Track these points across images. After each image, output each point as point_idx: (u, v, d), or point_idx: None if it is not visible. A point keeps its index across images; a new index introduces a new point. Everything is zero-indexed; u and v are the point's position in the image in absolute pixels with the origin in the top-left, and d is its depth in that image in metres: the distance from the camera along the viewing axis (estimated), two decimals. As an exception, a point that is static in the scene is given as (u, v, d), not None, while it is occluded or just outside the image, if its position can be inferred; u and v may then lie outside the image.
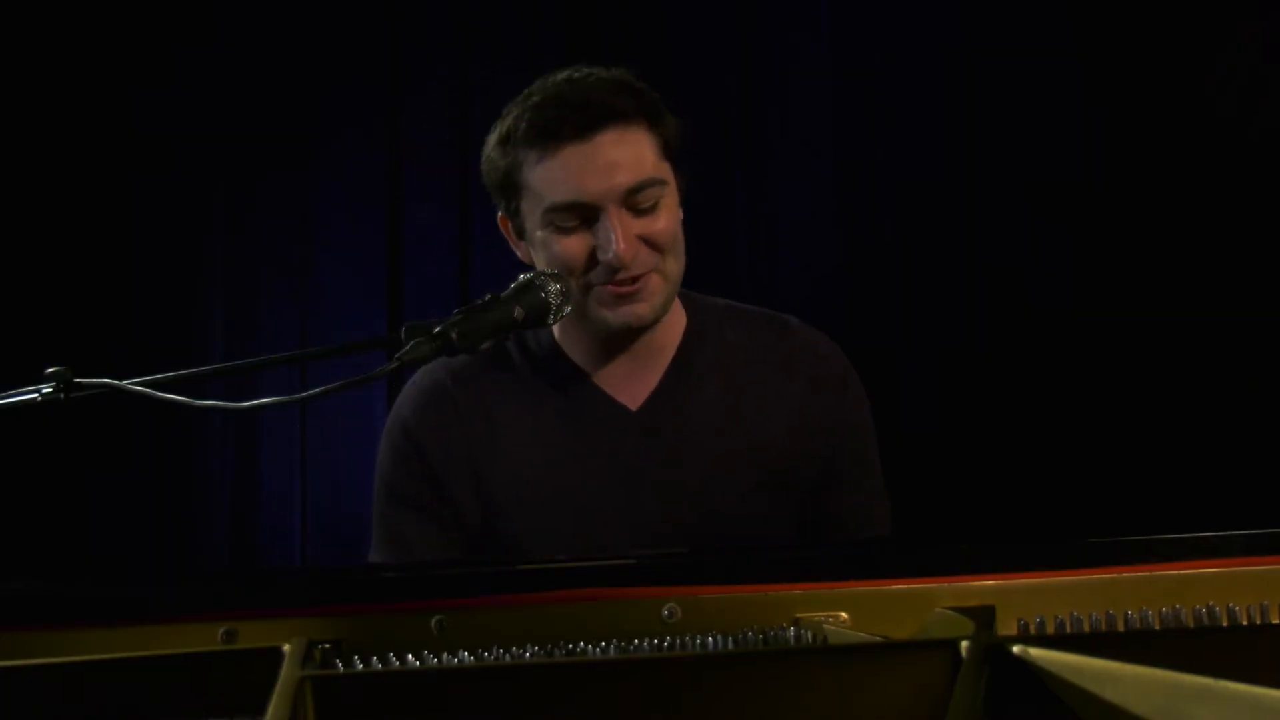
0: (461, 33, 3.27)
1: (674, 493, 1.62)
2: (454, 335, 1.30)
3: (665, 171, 1.59)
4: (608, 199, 1.52)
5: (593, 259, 1.54)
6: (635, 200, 1.54)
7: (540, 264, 1.59)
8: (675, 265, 1.59)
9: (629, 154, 1.54)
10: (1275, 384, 2.94)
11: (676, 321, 1.68)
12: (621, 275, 1.54)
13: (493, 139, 1.61)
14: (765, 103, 3.28)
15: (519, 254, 1.66)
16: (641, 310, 1.57)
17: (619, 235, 1.52)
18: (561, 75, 1.60)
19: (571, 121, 1.52)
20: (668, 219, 1.57)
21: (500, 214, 1.65)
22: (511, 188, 1.59)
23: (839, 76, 3.28)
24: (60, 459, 2.99)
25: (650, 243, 1.56)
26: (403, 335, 1.31)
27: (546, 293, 1.45)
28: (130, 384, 1.25)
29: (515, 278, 1.49)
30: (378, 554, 1.66)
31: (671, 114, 1.62)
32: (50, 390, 1.23)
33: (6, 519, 2.92)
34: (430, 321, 1.33)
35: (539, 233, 1.57)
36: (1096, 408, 3.08)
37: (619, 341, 1.62)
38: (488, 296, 1.40)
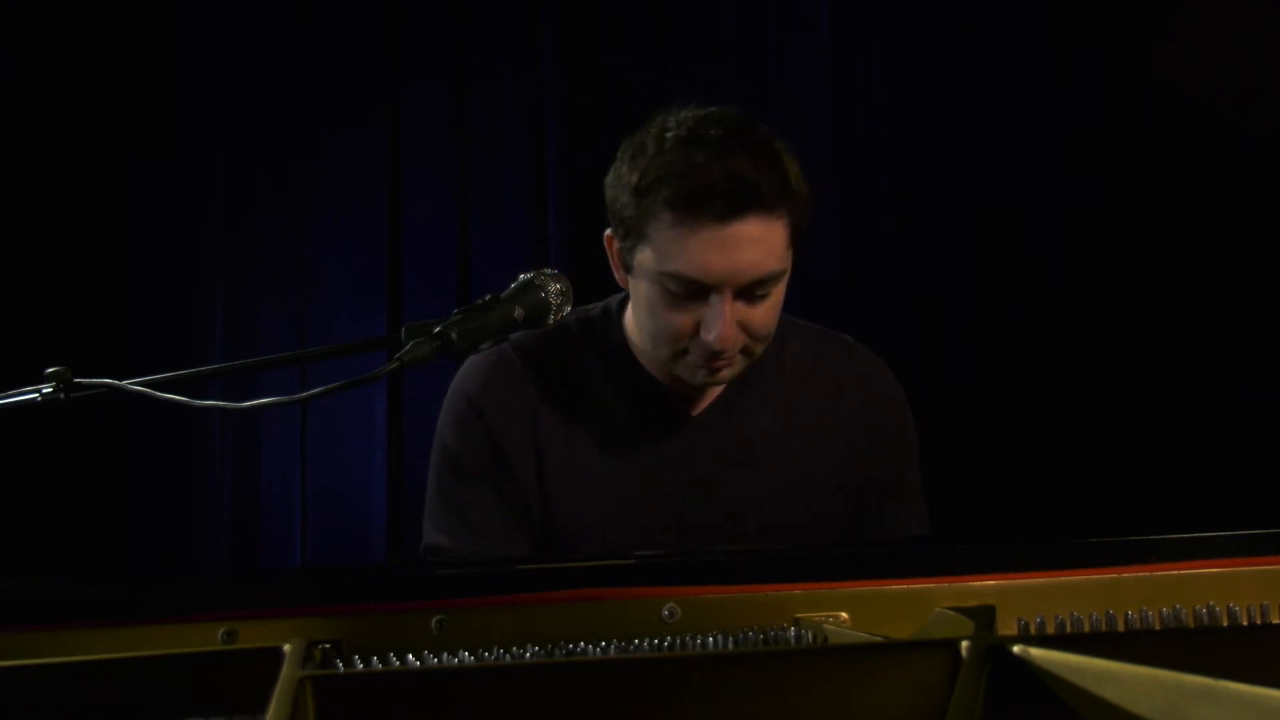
0: (461, 32, 3.27)
1: (724, 500, 1.63)
2: (454, 335, 1.30)
3: (788, 260, 1.56)
4: (726, 285, 1.49)
5: (693, 331, 1.52)
6: (754, 288, 1.52)
7: (638, 307, 1.58)
8: (764, 347, 1.58)
9: (762, 248, 1.49)
10: (1275, 384, 2.94)
11: None
12: (719, 361, 1.53)
13: (627, 178, 1.54)
14: (765, 97, 3.28)
15: (616, 275, 1.64)
16: (723, 376, 1.57)
17: (725, 322, 1.49)
18: (709, 129, 1.51)
19: (718, 206, 1.46)
20: (773, 307, 1.55)
21: (609, 233, 1.62)
22: (636, 233, 1.54)
23: (837, 70, 3.28)
24: (60, 459, 2.99)
25: (749, 329, 1.54)
26: (403, 335, 1.31)
27: (547, 293, 1.45)
28: (130, 384, 1.25)
29: (515, 278, 1.49)
30: (437, 530, 1.64)
31: (802, 192, 1.56)
32: (50, 390, 1.23)
33: (6, 519, 2.92)
34: (430, 321, 1.33)
35: (647, 285, 1.55)
36: (1097, 407, 3.08)
37: None
38: (488, 296, 1.40)
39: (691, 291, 1.50)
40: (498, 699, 0.77)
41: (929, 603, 1.09)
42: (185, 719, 0.88)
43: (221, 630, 1.08)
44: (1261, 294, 3.00)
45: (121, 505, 3.12)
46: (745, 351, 1.56)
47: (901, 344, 3.18)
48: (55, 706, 0.88)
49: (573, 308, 1.51)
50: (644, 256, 1.53)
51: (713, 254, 1.48)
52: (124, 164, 3.15)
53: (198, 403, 1.24)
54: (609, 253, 1.64)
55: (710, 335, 1.50)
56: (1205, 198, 3.06)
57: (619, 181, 1.56)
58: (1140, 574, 1.13)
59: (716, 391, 1.66)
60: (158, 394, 1.25)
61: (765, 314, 1.55)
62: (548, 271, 1.51)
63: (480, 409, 1.64)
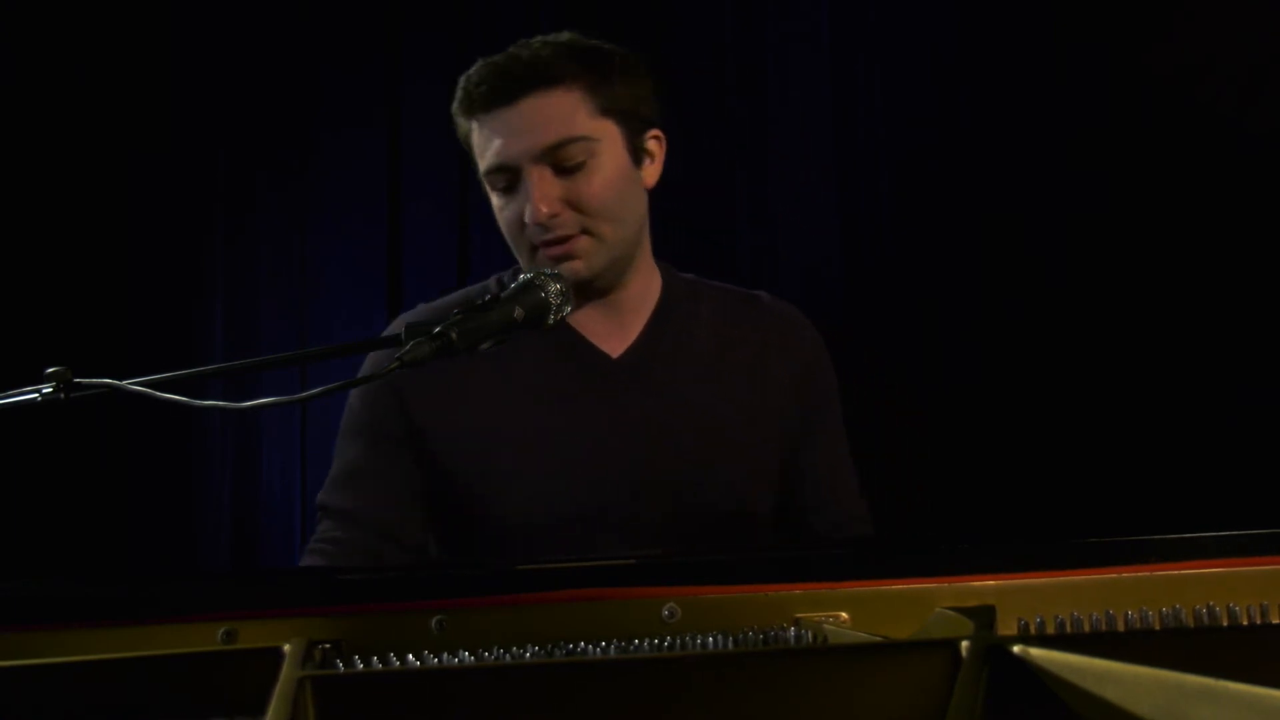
0: (461, 32, 3.27)
1: (656, 440, 1.64)
2: (454, 335, 1.30)
3: (602, 130, 1.59)
4: (524, 159, 1.55)
5: (524, 220, 1.57)
6: (557, 158, 1.55)
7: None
8: (611, 228, 1.59)
9: (551, 114, 1.55)
10: (1275, 384, 2.94)
11: (653, 282, 1.71)
12: (548, 236, 1.56)
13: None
14: (765, 91, 3.28)
15: None
16: (576, 267, 1.58)
17: (536, 195, 1.54)
18: (512, 46, 1.63)
19: (499, 88, 1.56)
20: (599, 180, 1.58)
21: None
22: (472, 156, 1.64)
23: (837, 70, 3.28)
24: (60, 459, 2.99)
25: (576, 205, 1.57)
26: (403, 335, 1.31)
27: (547, 292, 1.45)
28: (130, 384, 1.25)
29: (515, 277, 1.50)
30: (332, 487, 1.65)
31: (642, 72, 1.64)
32: (50, 390, 1.23)
33: (6, 519, 2.92)
34: (430, 321, 1.33)
35: (491, 198, 1.62)
36: (1097, 407, 3.08)
37: (591, 305, 1.65)
38: (488, 296, 1.40)
39: (509, 182, 1.57)
40: (498, 699, 0.77)
41: (929, 603, 1.09)
42: (185, 719, 0.88)
43: (221, 630, 1.08)
44: (1261, 294, 3.00)
45: (121, 505, 3.12)
46: (591, 232, 1.58)
47: (901, 344, 3.18)
48: (55, 706, 0.88)
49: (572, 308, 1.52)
50: (482, 175, 1.62)
51: (505, 133, 1.55)
52: (124, 164, 3.16)
53: (198, 403, 1.24)
54: None
55: (527, 212, 1.55)
56: (1205, 198, 3.06)
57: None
58: (1140, 574, 1.13)
59: (633, 336, 1.67)
60: (158, 394, 1.24)
61: (593, 187, 1.57)
62: (548, 271, 1.51)
63: (395, 379, 1.62)
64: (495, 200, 1.62)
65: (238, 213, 3.25)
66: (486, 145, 1.58)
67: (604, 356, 1.67)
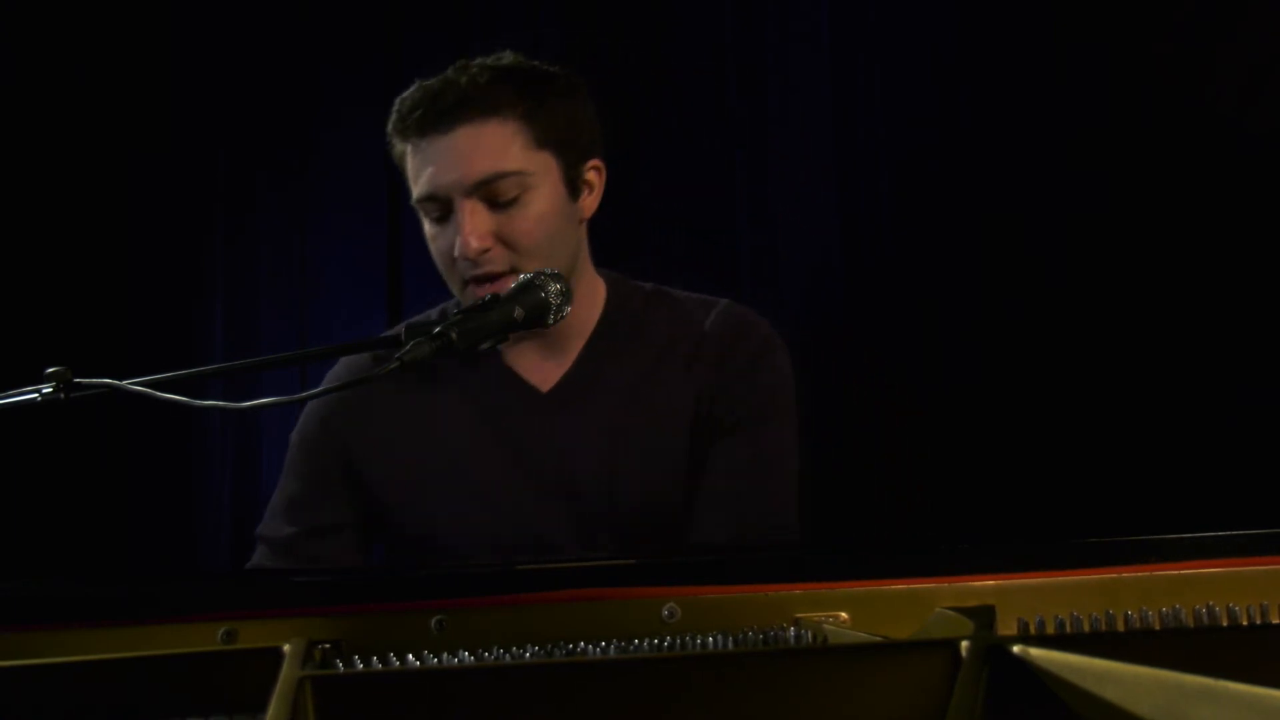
0: (461, 32, 3.27)
1: (578, 467, 1.62)
2: (454, 335, 1.30)
3: (537, 163, 1.55)
4: (455, 190, 1.52)
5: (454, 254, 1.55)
6: (489, 192, 1.53)
7: None
8: (545, 264, 1.53)
9: (485, 145, 1.52)
10: (1275, 384, 2.94)
11: (592, 305, 1.67)
12: (477, 272, 1.53)
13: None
14: (765, 91, 3.28)
15: None
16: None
17: (466, 229, 1.52)
18: (450, 69, 1.59)
19: (432, 114, 1.52)
20: (532, 215, 1.54)
21: None
22: (404, 179, 1.61)
23: (837, 70, 3.28)
24: (60, 459, 2.99)
25: (508, 240, 1.54)
26: (403, 335, 1.31)
27: (547, 292, 1.45)
28: (130, 384, 1.25)
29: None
30: (270, 517, 1.66)
31: (583, 97, 1.60)
32: (50, 390, 1.23)
33: (6, 519, 2.92)
34: (430, 321, 1.33)
35: (424, 224, 1.60)
36: (1097, 407, 3.08)
37: (524, 339, 1.62)
38: (488, 296, 1.40)
39: (441, 212, 1.55)
40: (498, 699, 0.77)
41: (929, 603, 1.09)
42: (185, 719, 0.88)
43: (221, 630, 1.08)
44: (1261, 294, 3.00)
45: (121, 505, 3.12)
46: (520, 271, 1.52)
47: (901, 344, 3.18)
48: (55, 706, 0.88)
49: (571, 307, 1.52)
50: (414, 202, 1.59)
51: (438, 163, 1.52)
52: (124, 164, 3.15)
53: (198, 403, 1.24)
54: None
55: (456, 246, 1.52)
56: (1206, 198, 3.05)
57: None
58: (1140, 574, 1.13)
59: (567, 366, 1.64)
60: (158, 394, 1.24)
61: (524, 224, 1.53)
62: (547, 271, 1.51)
63: (329, 413, 1.65)
64: (428, 229, 1.60)
65: (238, 213, 3.25)
66: (419, 172, 1.55)
67: (534, 391, 1.64)
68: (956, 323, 3.18)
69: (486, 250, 1.53)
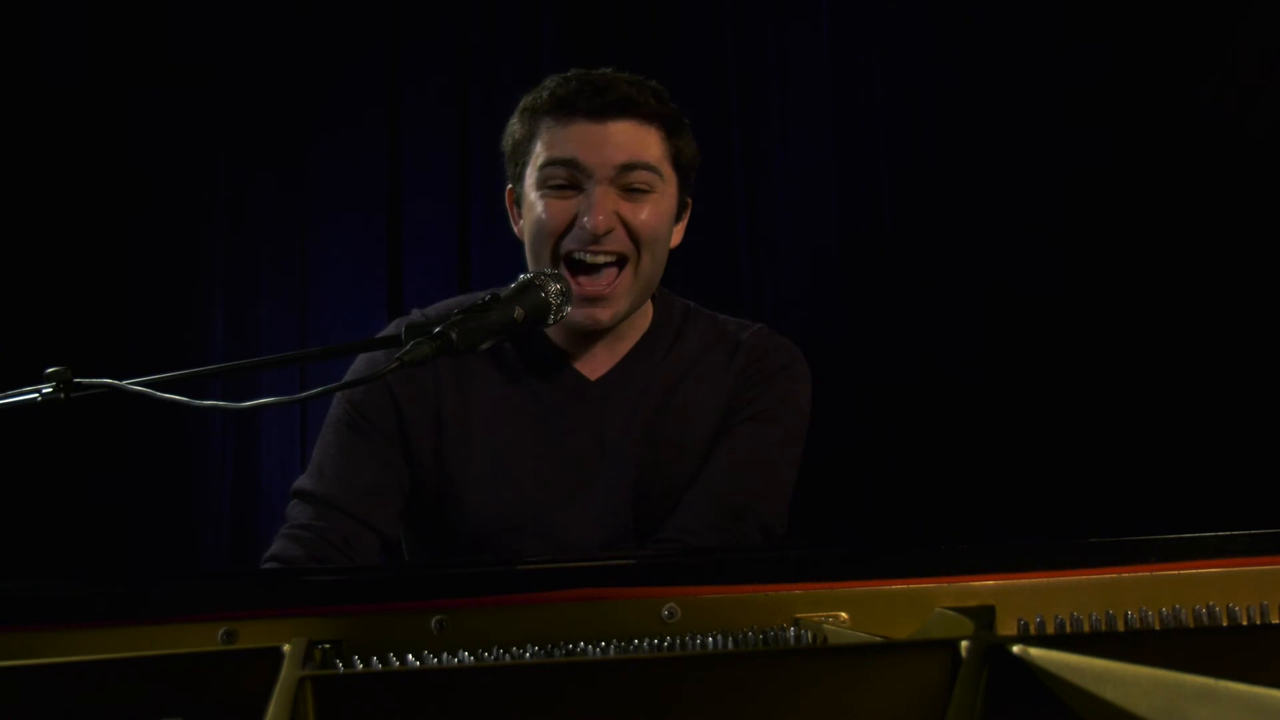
0: (461, 32, 3.27)
1: (616, 455, 1.68)
2: (454, 335, 1.30)
3: (667, 170, 1.65)
4: (601, 170, 1.59)
5: (572, 224, 1.59)
6: (627, 179, 1.60)
7: (527, 231, 1.65)
8: (649, 260, 1.64)
9: (636, 138, 1.61)
10: (1275, 384, 2.94)
11: (644, 318, 1.75)
12: (595, 247, 1.58)
13: (515, 116, 1.69)
14: (766, 96, 3.28)
15: (516, 230, 1.72)
16: (602, 316, 1.62)
17: (598, 207, 1.57)
18: (602, 69, 1.68)
19: (592, 101, 1.60)
20: (655, 212, 1.63)
21: (509, 187, 1.72)
22: (523, 154, 1.66)
23: (837, 70, 3.28)
24: (60, 459, 2.99)
25: (630, 228, 1.61)
26: (403, 335, 1.31)
27: (547, 292, 1.46)
28: (130, 384, 1.25)
29: (515, 277, 1.50)
30: (315, 473, 1.67)
31: (695, 142, 1.70)
32: (50, 390, 1.23)
33: (6, 519, 2.92)
34: (430, 321, 1.33)
35: (532, 194, 1.63)
36: (1097, 407, 3.08)
37: (588, 336, 1.69)
38: (488, 296, 1.40)
39: (570, 180, 1.60)
40: (498, 699, 0.77)
41: (929, 603, 1.09)
42: (185, 719, 0.88)
43: (221, 630, 1.08)
44: (1262, 294, 3.00)
45: (121, 505, 3.12)
46: (631, 261, 1.61)
47: (901, 343, 3.18)
48: (55, 706, 0.88)
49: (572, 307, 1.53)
50: (530, 169, 1.64)
51: (587, 141, 1.59)
52: (124, 164, 3.16)
53: (198, 403, 1.24)
54: (509, 212, 1.74)
55: (586, 218, 1.58)
56: (1206, 198, 3.06)
57: (509, 124, 1.69)
58: (1140, 574, 1.13)
59: (614, 362, 1.72)
60: (158, 394, 1.24)
61: (646, 215, 1.61)
62: (548, 271, 1.51)
63: (388, 381, 1.66)
64: (533, 196, 1.63)
65: (238, 213, 3.25)
66: (560, 142, 1.61)
67: (584, 380, 1.71)
68: (956, 323, 3.18)
69: (612, 230, 1.59)
